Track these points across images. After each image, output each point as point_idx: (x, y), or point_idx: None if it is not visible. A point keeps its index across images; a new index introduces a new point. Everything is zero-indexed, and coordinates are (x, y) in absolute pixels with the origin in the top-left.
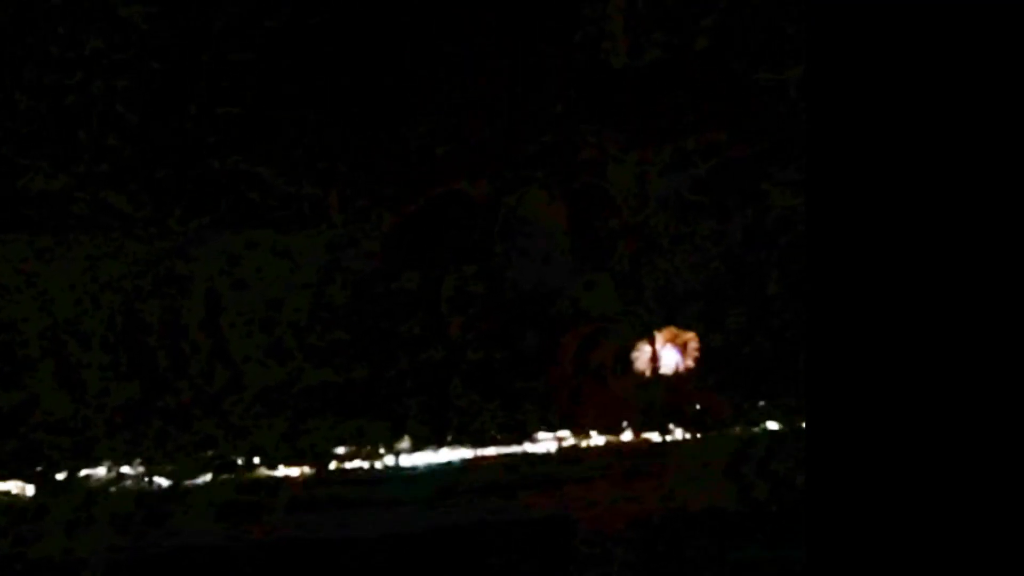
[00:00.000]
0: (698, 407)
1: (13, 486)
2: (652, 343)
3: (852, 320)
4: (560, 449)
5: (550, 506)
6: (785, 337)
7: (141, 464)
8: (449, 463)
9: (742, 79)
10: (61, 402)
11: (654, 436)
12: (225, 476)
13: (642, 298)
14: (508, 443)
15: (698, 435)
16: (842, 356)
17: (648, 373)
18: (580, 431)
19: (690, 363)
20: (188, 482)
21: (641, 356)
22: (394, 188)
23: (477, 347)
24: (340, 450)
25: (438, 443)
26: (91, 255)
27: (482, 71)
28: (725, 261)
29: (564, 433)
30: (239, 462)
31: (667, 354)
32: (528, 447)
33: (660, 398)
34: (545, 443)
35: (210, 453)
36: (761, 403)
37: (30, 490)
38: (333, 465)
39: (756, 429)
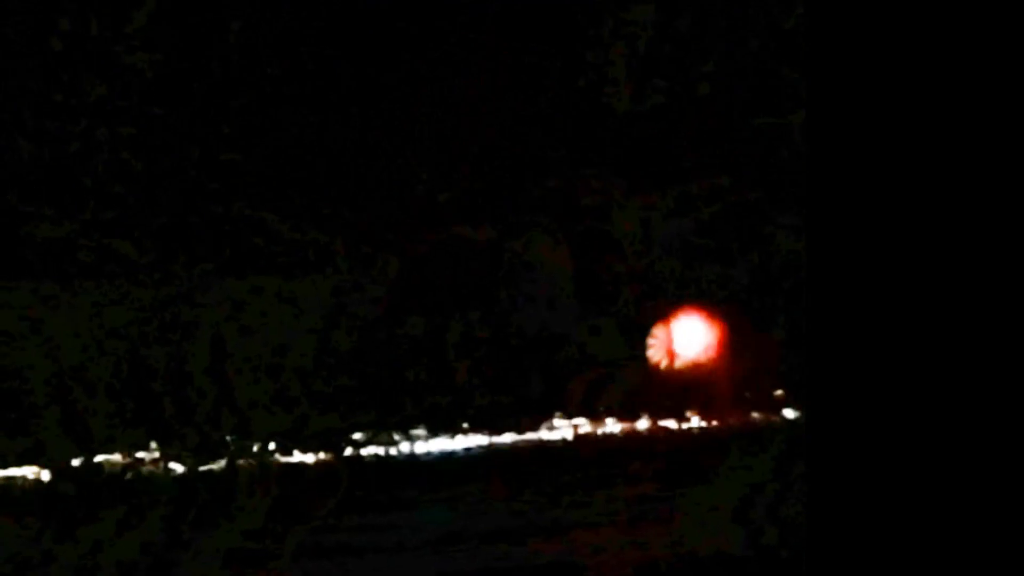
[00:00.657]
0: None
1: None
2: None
3: (850, 341)
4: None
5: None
6: (793, 380)
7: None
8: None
9: (744, 124)
10: (67, 449)
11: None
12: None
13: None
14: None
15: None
16: (840, 375)
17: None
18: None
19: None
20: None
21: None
22: (399, 234)
23: (483, 392)
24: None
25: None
26: (96, 302)
27: (485, 116)
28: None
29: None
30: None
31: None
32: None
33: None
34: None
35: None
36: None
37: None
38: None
39: (764, 476)
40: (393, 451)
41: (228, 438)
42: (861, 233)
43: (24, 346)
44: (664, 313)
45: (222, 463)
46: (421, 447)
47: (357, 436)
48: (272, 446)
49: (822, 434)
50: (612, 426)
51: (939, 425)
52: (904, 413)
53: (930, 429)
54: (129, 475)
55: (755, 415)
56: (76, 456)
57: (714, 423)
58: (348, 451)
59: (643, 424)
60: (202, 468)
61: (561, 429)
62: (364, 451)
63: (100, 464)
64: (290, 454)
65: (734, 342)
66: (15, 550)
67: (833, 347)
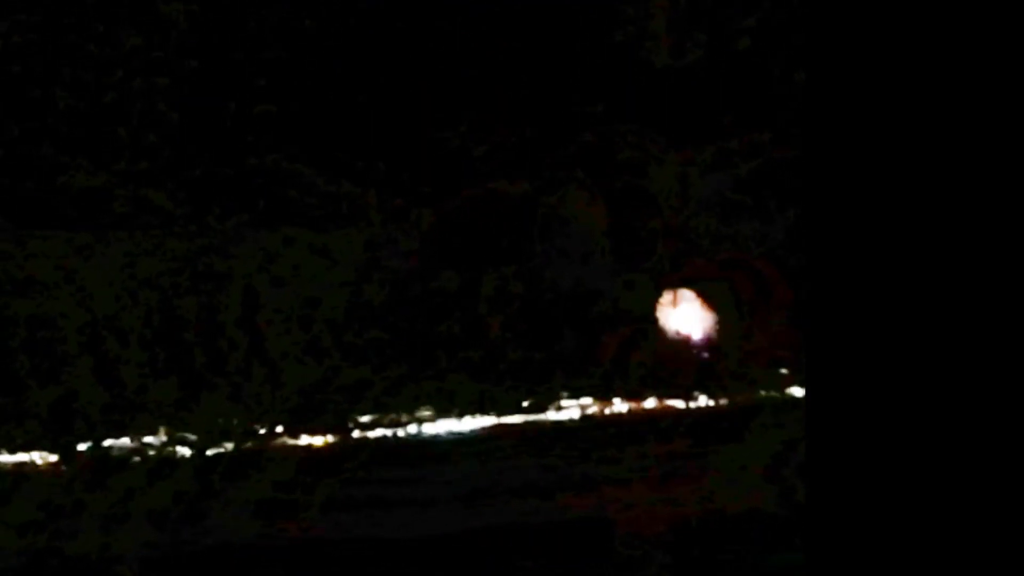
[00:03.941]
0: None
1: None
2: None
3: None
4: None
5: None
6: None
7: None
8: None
9: (784, 80)
10: (99, 398)
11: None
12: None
13: None
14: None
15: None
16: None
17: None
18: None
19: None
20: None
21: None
22: (433, 187)
23: (516, 347)
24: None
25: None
26: (130, 252)
27: (522, 70)
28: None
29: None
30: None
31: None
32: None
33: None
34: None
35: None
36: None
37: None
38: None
39: (796, 434)
40: (424, 406)
41: (259, 389)
42: (862, 215)
43: (58, 295)
44: (696, 271)
45: (253, 413)
46: (453, 402)
47: (388, 387)
48: (303, 398)
49: (823, 415)
50: (644, 383)
51: (943, 404)
52: (906, 402)
53: (932, 412)
54: (161, 428)
55: (785, 372)
56: (108, 405)
57: (745, 383)
58: (378, 404)
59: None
60: (233, 419)
61: (594, 384)
62: (394, 403)
63: (132, 417)
64: (321, 406)
65: (767, 299)
66: (46, 498)
67: (835, 330)
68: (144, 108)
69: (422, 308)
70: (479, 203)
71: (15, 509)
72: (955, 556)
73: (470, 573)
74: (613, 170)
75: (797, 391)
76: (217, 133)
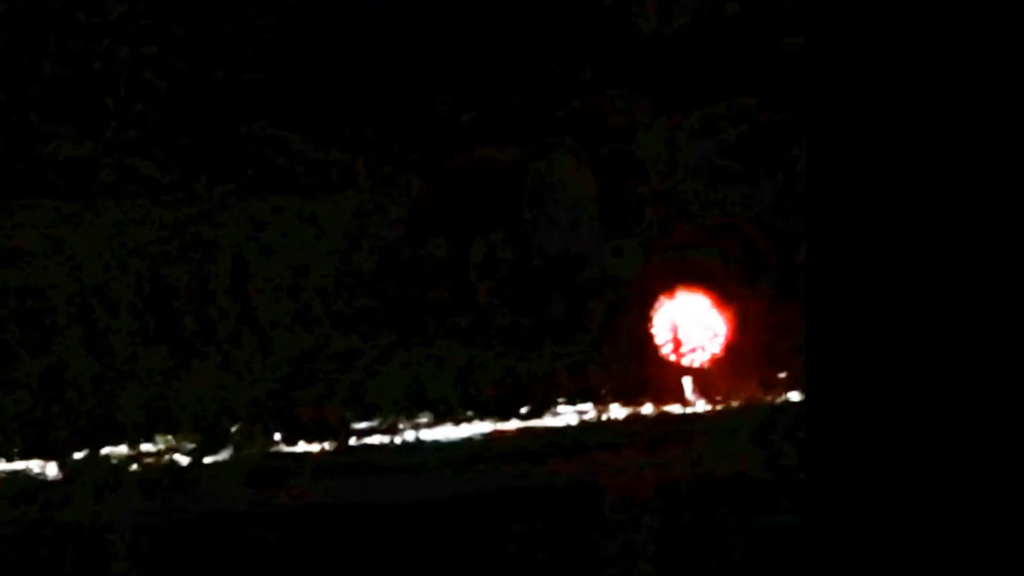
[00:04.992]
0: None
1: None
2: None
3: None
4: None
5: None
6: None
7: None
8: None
9: (770, 44)
10: (89, 368)
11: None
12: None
13: None
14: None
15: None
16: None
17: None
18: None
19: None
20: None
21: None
22: (421, 154)
23: (505, 313)
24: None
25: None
26: (118, 221)
27: (510, 37)
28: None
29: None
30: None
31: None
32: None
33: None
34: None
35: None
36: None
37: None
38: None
39: (782, 399)
40: (414, 372)
41: (248, 358)
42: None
43: (47, 265)
44: (684, 236)
45: (243, 382)
46: (442, 369)
47: (378, 355)
48: (293, 365)
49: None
50: (632, 347)
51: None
52: (906, 398)
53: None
54: (150, 397)
55: (774, 340)
56: (97, 375)
57: (735, 349)
58: (368, 370)
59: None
60: (222, 387)
61: (582, 349)
62: (385, 369)
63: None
64: (311, 373)
65: (756, 272)
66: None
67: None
68: (131, 77)
69: (411, 275)
70: (468, 170)
71: (8, 482)
72: (955, 556)
73: (462, 537)
74: (601, 136)
75: (784, 375)
76: (204, 101)
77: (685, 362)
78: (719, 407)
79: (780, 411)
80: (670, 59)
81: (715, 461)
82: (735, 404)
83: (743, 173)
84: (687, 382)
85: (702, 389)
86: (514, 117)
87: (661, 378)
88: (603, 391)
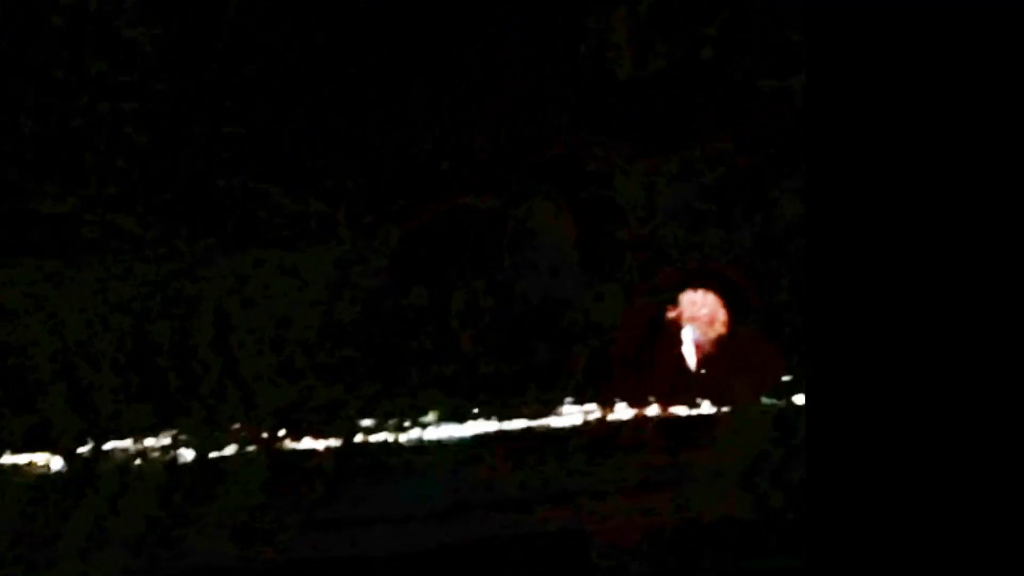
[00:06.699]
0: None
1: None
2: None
3: (853, 321)
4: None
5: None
6: (796, 345)
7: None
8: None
9: (746, 87)
10: (73, 425)
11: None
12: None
13: None
14: None
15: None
16: (842, 355)
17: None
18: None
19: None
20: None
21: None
22: (401, 204)
23: (488, 361)
24: None
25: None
26: (100, 277)
27: (486, 85)
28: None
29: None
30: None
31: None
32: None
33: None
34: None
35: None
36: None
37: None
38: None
39: (769, 439)
40: (399, 421)
41: (232, 412)
42: (862, 194)
43: (28, 323)
44: (665, 280)
45: (227, 435)
46: (428, 417)
47: (362, 406)
48: (277, 419)
49: (822, 412)
50: (617, 392)
51: (941, 399)
52: (907, 397)
53: (931, 406)
54: (134, 452)
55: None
56: (82, 434)
57: (719, 392)
58: (354, 421)
59: (649, 390)
60: (207, 440)
61: (567, 394)
62: (370, 421)
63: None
64: (296, 426)
65: (737, 311)
66: (24, 528)
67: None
68: (111, 133)
69: (394, 325)
70: (448, 218)
71: None
72: (955, 557)
73: None
74: (580, 181)
75: (770, 400)
76: (184, 156)
77: (672, 409)
78: (704, 451)
79: (765, 454)
80: (646, 104)
81: (702, 505)
82: (723, 447)
83: (721, 216)
84: (673, 427)
85: (688, 434)
86: (493, 164)
87: (649, 423)
88: (588, 436)
